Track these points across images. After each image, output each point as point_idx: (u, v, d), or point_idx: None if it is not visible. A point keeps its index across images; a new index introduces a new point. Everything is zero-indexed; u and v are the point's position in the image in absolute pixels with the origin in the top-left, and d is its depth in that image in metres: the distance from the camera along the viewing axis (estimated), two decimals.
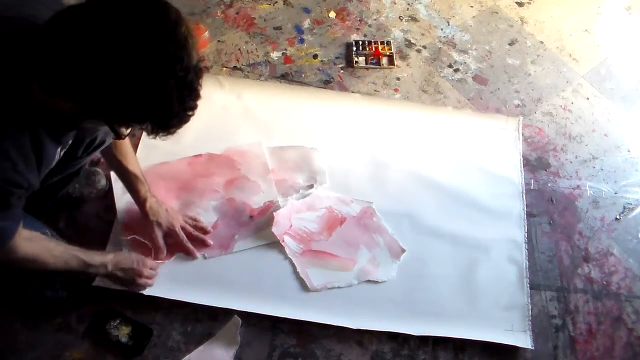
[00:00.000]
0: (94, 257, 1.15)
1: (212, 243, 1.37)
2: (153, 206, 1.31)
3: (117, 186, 1.41)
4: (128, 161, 1.26)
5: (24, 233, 0.99)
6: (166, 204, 1.36)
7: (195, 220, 1.39)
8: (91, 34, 0.73)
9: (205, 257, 1.36)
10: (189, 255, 1.35)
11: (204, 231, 1.39)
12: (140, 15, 0.74)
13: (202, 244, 1.37)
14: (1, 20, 0.86)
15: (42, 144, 0.90)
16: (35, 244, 1.03)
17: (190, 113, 0.83)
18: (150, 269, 1.26)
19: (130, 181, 1.28)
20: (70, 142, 1.02)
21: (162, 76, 0.76)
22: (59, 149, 0.97)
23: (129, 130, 0.91)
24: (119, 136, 0.89)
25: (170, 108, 0.80)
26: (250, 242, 1.39)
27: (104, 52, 0.73)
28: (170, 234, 1.34)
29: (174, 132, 0.84)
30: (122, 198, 1.40)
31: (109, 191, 1.43)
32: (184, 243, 1.34)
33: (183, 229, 1.35)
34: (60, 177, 1.17)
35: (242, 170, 1.49)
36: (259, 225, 1.41)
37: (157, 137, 0.85)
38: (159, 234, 1.33)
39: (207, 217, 1.41)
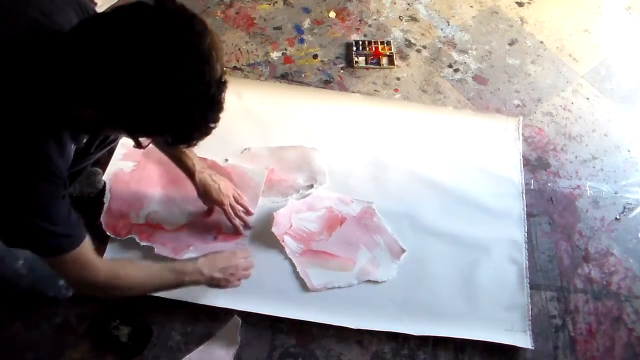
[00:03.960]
0: (186, 265, 1.16)
1: (251, 226, 1.40)
2: (201, 181, 1.32)
3: (119, 151, 1.46)
4: None
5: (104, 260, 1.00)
6: (220, 177, 1.36)
7: (241, 197, 1.41)
8: (113, 45, 0.72)
9: (154, 251, 1.34)
10: (235, 232, 1.38)
11: (247, 210, 1.41)
12: (164, 26, 0.73)
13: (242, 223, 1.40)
14: (21, 17, 0.85)
15: (65, 144, 0.89)
16: (119, 263, 1.04)
17: (212, 126, 0.81)
18: (244, 258, 1.28)
19: (174, 155, 1.29)
20: (85, 140, 1.01)
21: (182, 90, 0.74)
22: (73, 146, 0.96)
23: (149, 141, 0.90)
24: (139, 146, 0.88)
25: (191, 122, 0.78)
26: None
27: (125, 63, 0.72)
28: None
29: (195, 144, 0.83)
30: (115, 163, 1.45)
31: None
32: (231, 220, 1.36)
33: (231, 207, 1.37)
34: (69, 173, 1.17)
35: None
36: (217, 249, 1.35)
37: (177, 147, 0.84)
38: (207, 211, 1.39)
39: (178, 218, 1.40)
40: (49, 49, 0.80)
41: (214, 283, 1.22)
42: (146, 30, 0.72)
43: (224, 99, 0.80)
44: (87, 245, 0.96)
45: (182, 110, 0.76)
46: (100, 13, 0.79)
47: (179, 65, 0.73)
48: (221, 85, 0.79)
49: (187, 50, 0.73)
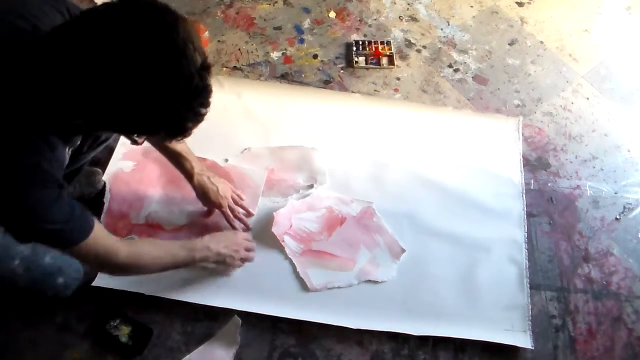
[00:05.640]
0: (195, 243, 1.18)
1: (251, 227, 1.40)
2: (199, 184, 1.32)
3: (119, 150, 1.48)
4: None
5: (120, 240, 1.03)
6: (218, 179, 1.36)
7: (241, 198, 1.41)
8: (85, 55, 0.72)
9: None
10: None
11: (247, 211, 1.41)
12: (133, 28, 0.72)
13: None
14: (3, 24, 0.84)
15: (55, 147, 0.89)
16: (137, 242, 1.07)
17: (203, 114, 0.82)
18: (245, 239, 1.30)
19: (173, 158, 1.30)
20: (79, 141, 1.01)
21: (164, 89, 0.74)
22: (67, 149, 0.96)
23: (144, 138, 0.91)
24: (135, 142, 0.89)
25: (180, 116, 0.79)
26: None
27: (101, 72, 0.72)
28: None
29: (190, 133, 0.84)
30: (115, 163, 1.46)
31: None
32: (230, 222, 1.36)
33: (230, 209, 1.37)
34: (64, 173, 1.17)
35: None
36: None
37: (174, 140, 0.85)
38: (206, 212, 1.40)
39: (178, 218, 1.41)
40: (25, 57, 0.79)
41: (220, 259, 1.23)
42: (116, 35, 0.72)
43: (210, 83, 0.80)
44: (98, 231, 0.97)
45: (169, 108, 0.76)
46: (73, 19, 0.79)
47: (155, 65, 0.72)
48: (204, 73, 0.78)
49: (161, 48, 0.73)
